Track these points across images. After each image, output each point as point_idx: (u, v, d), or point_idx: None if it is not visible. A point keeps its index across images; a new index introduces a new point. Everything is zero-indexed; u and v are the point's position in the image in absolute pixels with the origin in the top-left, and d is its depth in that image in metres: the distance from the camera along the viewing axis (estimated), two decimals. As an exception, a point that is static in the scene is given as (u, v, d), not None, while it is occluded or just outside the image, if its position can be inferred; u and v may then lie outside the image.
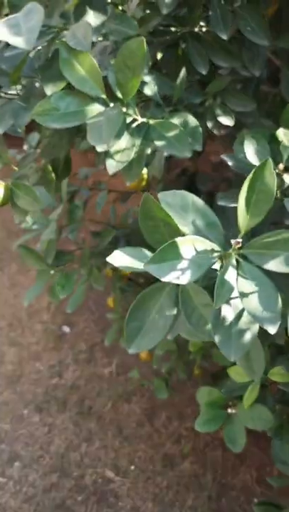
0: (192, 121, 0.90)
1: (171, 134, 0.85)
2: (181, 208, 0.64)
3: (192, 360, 1.66)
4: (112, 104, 0.79)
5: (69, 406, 2.12)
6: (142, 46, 0.73)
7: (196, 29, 1.06)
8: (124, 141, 0.85)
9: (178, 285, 0.69)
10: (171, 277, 0.56)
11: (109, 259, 0.64)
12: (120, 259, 0.65)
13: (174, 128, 0.85)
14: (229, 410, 1.21)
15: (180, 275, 0.56)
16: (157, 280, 1.64)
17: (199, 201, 0.65)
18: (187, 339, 1.55)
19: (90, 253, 1.39)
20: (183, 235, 0.63)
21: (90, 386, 2.20)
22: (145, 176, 1.14)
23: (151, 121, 0.87)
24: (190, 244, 0.57)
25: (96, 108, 0.80)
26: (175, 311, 0.70)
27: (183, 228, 0.63)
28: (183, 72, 0.97)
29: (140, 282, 1.75)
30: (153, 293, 0.70)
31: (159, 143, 0.85)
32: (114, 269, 1.72)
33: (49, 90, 0.82)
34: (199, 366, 1.71)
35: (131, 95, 0.78)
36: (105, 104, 0.80)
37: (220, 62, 1.04)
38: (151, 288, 0.71)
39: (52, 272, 1.37)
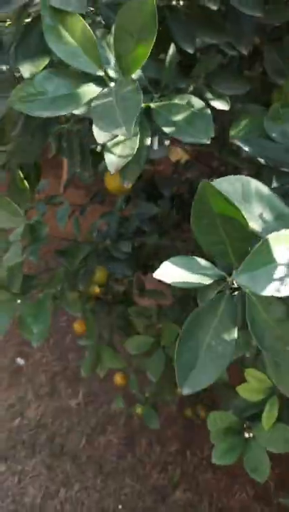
0: (197, 102, 0.75)
1: (180, 117, 0.71)
2: (243, 197, 0.50)
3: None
4: (112, 84, 0.63)
5: (38, 448, 1.89)
6: (149, 3, 0.57)
7: (174, 2, 0.92)
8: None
9: (233, 297, 0.55)
10: (271, 290, 0.40)
11: (158, 275, 0.48)
12: (172, 273, 0.49)
13: (182, 110, 0.71)
14: (246, 435, 1.07)
15: (279, 286, 0.41)
16: (127, 296, 1.44)
17: (264, 188, 0.50)
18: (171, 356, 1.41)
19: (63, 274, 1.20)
20: (250, 233, 0.48)
21: (57, 422, 1.99)
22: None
23: (152, 105, 0.72)
24: (283, 244, 0.42)
25: (92, 89, 0.63)
26: (235, 334, 0.54)
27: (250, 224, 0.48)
28: (172, 49, 0.83)
29: (110, 301, 1.58)
30: (205, 313, 0.55)
31: (167, 129, 0.70)
32: (80, 290, 1.54)
33: (27, 71, 0.65)
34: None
35: (135, 69, 0.63)
36: (103, 84, 0.64)
37: (206, 37, 0.91)
38: (201, 309, 0.55)
39: (19, 301, 1.17)
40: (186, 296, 1.44)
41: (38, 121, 0.82)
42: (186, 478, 1.77)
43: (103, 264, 1.32)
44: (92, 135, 0.97)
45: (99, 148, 0.96)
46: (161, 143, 0.90)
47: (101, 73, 0.63)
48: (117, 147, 0.69)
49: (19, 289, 1.15)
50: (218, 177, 0.52)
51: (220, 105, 0.93)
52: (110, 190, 0.93)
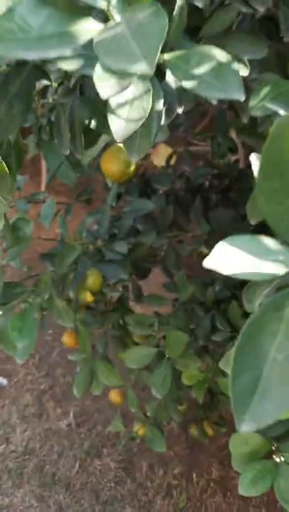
0: (221, 55, 0.60)
1: (204, 69, 0.55)
2: None
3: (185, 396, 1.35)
4: (117, 17, 0.48)
5: (26, 477, 1.71)
6: None
7: None
8: (133, 89, 0.54)
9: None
10: None
11: (210, 262, 0.33)
12: (230, 259, 0.33)
13: (205, 60, 0.56)
14: (275, 458, 0.92)
15: None
16: (123, 303, 1.27)
17: None
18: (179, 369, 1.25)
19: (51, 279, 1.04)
20: None
21: (47, 447, 1.81)
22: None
23: (166, 56, 0.57)
24: None
25: (92, 26, 0.48)
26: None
27: None
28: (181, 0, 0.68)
29: (102, 310, 1.41)
30: (266, 320, 0.39)
31: (188, 84, 0.55)
32: (68, 298, 1.37)
33: (2, 3, 0.49)
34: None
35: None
36: (105, 18, 0.48)
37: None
38: (260, 313, 0.40)
39: (0, 312, 1.01)
40: (190, 301, 1.29)
41: (18, 86, 0.67)
42: (194, 504, 1.61)
43: (95, 267, 1.16)
44: (85, 108, 0.81)
45: (93, 126, 0.80)
46: (169, 113, 0.74)
47: (104, 4, 0.47)
48: (123, 109, 0.54)
49: (0, 298, 0.99)
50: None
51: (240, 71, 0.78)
52: (108, 176, 0.78)
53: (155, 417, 1.38)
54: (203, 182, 1.53)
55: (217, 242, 0.35)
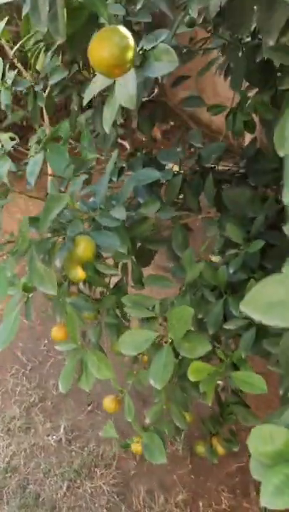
0: None
1: None
2: None
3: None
4: None
5: (6, 498, 1.48)
6: None
7: None
8: None
9: None
10: None
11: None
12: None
13: None
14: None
15: None
16: (120, 287, 1.07)
17: None
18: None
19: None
20: None
21: (32, 464, 1.59)
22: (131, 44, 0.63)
23: None
24: None
25: None
26: None
27: None
28: None
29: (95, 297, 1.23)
30: None
31: None
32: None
33: None
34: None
35: None
36: None
37: None
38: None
39: None
40: (199, 286, 1.10)
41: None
42: (199, 536, 1.37)
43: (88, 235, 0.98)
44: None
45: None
46: None
47: None
48: None
49: None
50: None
51: None
52: (99, 68, 0.60)
53: (156, 425, 1.16)
54: (216, 163, 1.36)
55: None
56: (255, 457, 0.67)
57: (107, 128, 0.79)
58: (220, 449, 1.32)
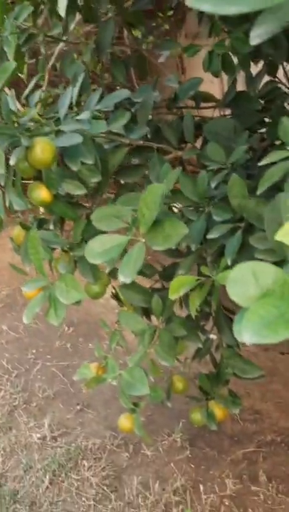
0: None
1: None
2: None
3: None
4: None
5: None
6: None
7: None
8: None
9: None
10: None
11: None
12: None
13: None
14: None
15: None
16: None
17: None
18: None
19: None
20: None
21: (12, 462, 1.40)
22: None
23: None
24: None
25: None
26: None
27: None
28: None
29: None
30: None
31: None
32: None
33: None
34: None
35: None
36: None
37: None
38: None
39: None
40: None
41: None
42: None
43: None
44: None
45: None
46: None
47: None
48: None
49: None
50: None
51: None
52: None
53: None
54: (197, 107, 1.29)
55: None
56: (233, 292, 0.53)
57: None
58: (218, 412, 1.15)
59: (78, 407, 1.62)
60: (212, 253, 0.96)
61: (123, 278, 0.78)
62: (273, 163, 0.80)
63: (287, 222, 0.57)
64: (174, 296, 0.90)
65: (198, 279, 0.88)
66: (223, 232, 0.90)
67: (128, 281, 0.77)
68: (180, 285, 0.89)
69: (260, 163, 0.79)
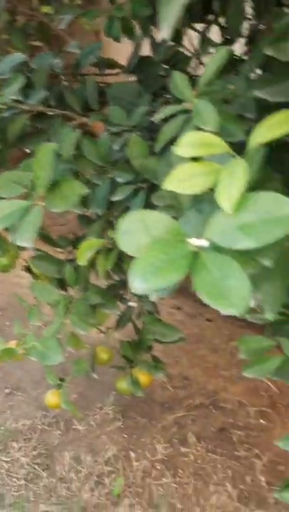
0: None
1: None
2: None
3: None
4: None
5: None
6: None
7: None
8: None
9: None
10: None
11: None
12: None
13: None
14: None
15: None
16: None
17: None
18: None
19: None
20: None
21: None
22: None
23: None
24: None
25: None
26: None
27: None
28: None
29: None
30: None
31: None
32: None
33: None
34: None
35: None
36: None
37: None
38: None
39: None
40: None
41: None
42: (134, 490, 1.18)
43: None
44: None
45: None
46: None
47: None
48: None
49: None
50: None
51: None
52: None
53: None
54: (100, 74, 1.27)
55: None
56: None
57: None
58: (143, 379, 1.16)
59: (7, 391, 1.59)
60: (118, 216, 0.95)
61: (22, 242, 0.76)
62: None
63: (173, 171, 0.56)
64: (81, 260, 0.89)
65: (105, 242, 0.87)
66: (127, 194, 0.89)
67: (28, 245, 0.75)
68: (87, 249, 0.88)
69: (154, 119, 0.78)
